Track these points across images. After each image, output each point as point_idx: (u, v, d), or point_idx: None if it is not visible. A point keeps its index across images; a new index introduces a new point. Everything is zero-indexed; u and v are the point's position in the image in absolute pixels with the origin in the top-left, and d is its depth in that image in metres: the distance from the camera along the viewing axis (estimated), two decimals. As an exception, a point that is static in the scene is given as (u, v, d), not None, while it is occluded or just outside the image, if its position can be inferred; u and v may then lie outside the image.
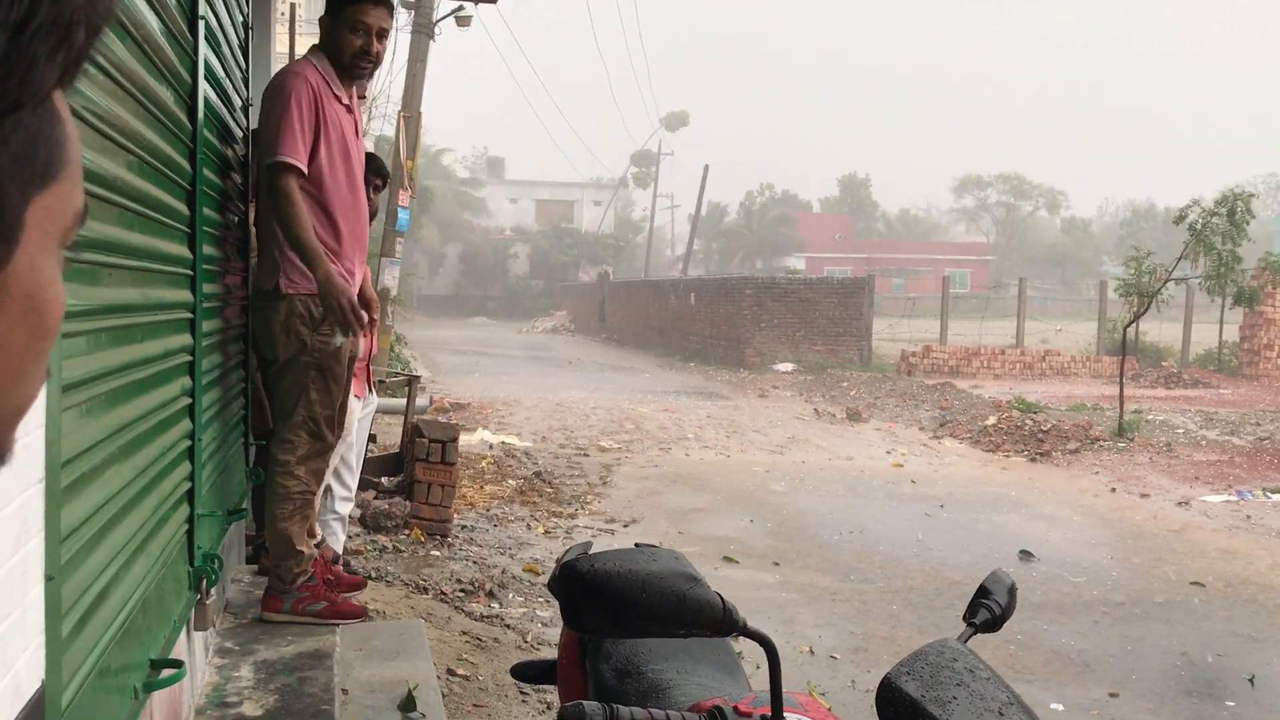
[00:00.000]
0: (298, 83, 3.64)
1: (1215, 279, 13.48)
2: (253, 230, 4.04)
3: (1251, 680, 5.04)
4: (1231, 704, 4.79)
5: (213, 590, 2.95)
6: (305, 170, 3.63)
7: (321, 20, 3.88)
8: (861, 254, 63.85)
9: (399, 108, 14.00)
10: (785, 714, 1.27)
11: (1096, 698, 4.79)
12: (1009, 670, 5.05)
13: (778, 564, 6.91)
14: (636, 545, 2.38)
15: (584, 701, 1.26)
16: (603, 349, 31.96)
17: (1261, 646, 5.59)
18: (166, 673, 2.19)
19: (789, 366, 22.87)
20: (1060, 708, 4.64)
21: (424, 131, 16.14)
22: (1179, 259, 13.57)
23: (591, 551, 2.51)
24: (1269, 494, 9.65)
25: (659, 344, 30.26)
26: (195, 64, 2.83)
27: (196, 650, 3.09)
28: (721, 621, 1.23)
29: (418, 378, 8.65)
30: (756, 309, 23.98)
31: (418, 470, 6.75)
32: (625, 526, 7.77)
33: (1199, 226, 12.77)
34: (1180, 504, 9.31)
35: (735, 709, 1.29)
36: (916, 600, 6.24)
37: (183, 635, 2.70)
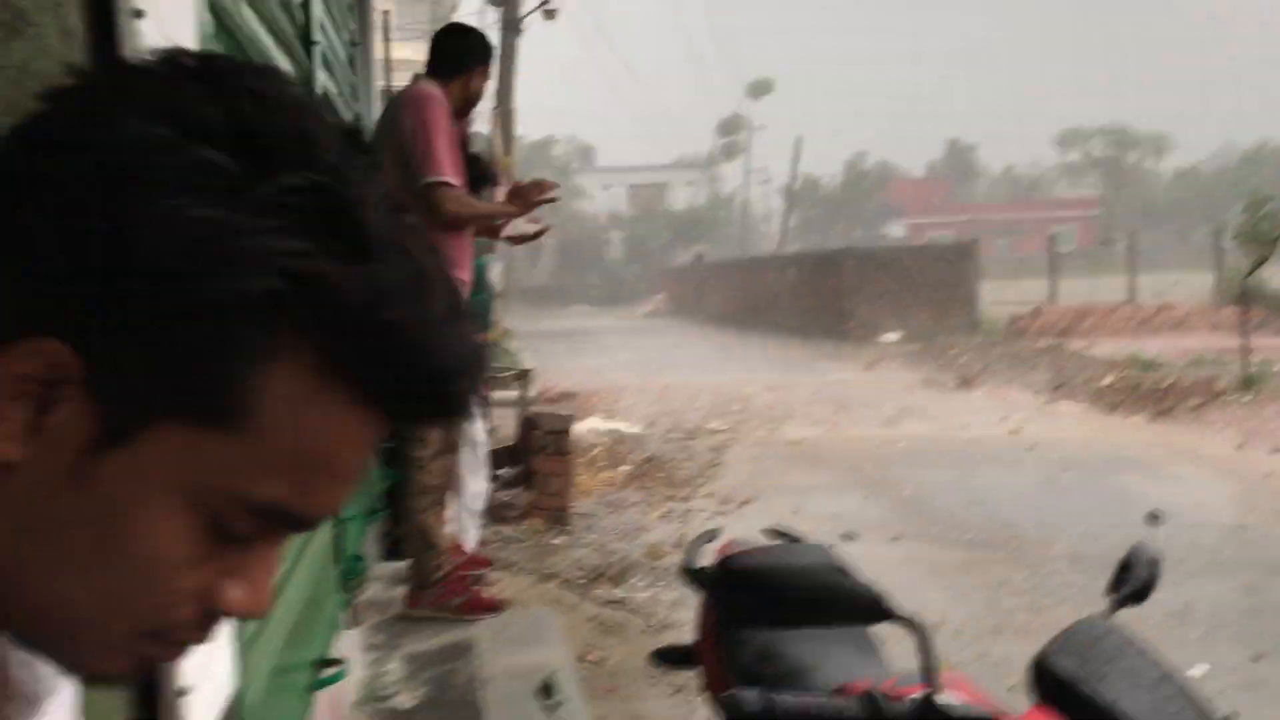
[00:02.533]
0: (437, 104, 3.84)
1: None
2: None
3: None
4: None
5: (360, 589, 3.09)
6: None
7: (437, 58, 4.08)
8: (964, 216, 62.43)
9: (493, 104, 14.21)
10: (937, 695, 1.31)
11: (1237, 662, 4.68)
12: (1145, 636, 4.96)
13: (896, 539, 6.88)
14: (764, 531, 2.43)
15: (742, 690, 1.31)
16: (703, 330, 31.94)
17: None
18: (330, 671, 2.32)
19: (895, 337, 22.55)
20: (1200, 672, 4.55)
21: (523, 131, 16.35)
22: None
23: (719, 537, 2.58)
24: None
25: (759, 322, 30.09)
26: (312, 89, 2.94)
27: (351, 648, 3.24)
28: (874, 610, 1.27)
29: (529, 370, 8.81)
30: (858, 280, 23.68)
31: (535, 461, 6.89)
32: (740, 507, 7.81)
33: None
34: (1316, 458, 8.97)
35: (889, 692, 1.33)
36: (1041, 569, 6.16)
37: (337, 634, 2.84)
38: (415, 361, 0.53)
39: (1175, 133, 76.62)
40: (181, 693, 1.24)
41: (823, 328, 24.85)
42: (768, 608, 1.26)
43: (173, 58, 0.53)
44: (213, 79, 0.52)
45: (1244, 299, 14.23)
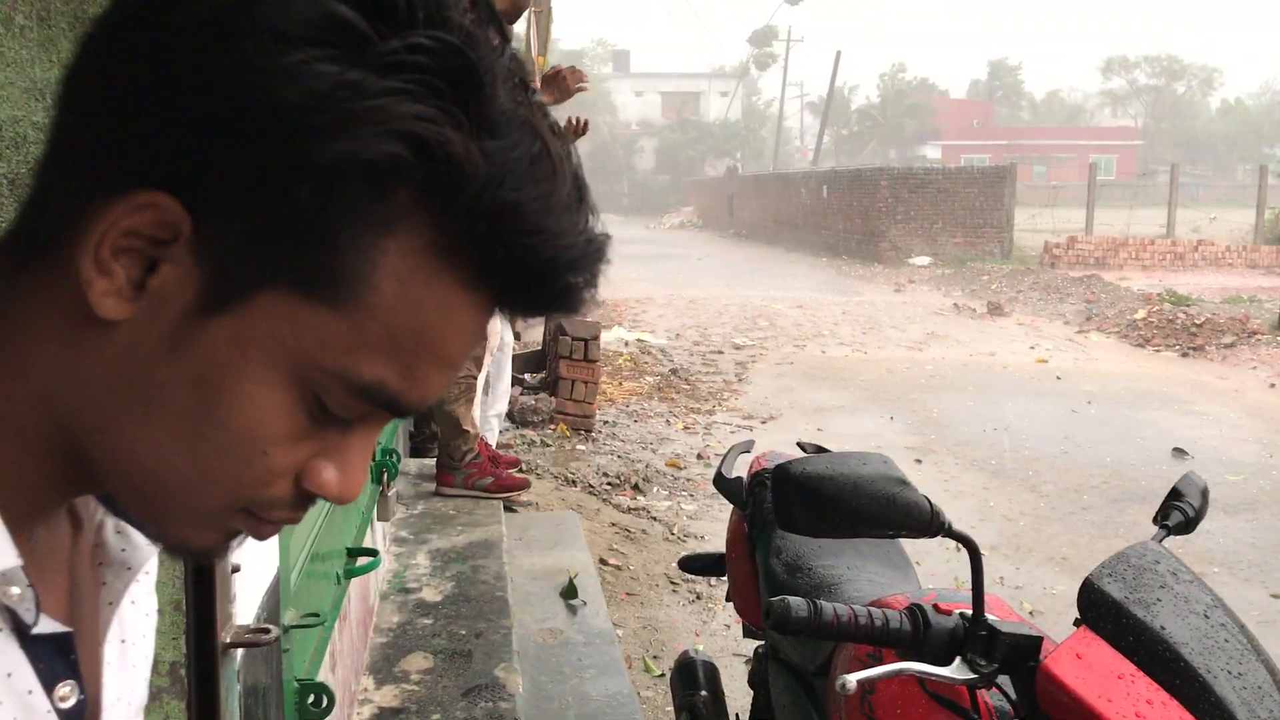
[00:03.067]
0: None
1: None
2: None
3: None
4: (1403, 608, 4.64)
5: (393, 483, 3.11)
6: None
7: None
8: (1001, 140, 61.39)
9: (531, 4, 13.90)
10: (985, 615, 1.30)
11: (1256, 599, 4.69)
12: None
13: (920, 461, 6.88)
14: (800, 444, 2.42)
15: (789, 597, 1.31)
16: (732, 245, 31.74)
17: None
18: (363, 561, 2.34)
19: (926, 260, 22.34)
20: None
21: (555, 34, 16.05)
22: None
23: (752, 450, 2.57)
24: None
25: (790, 239, 29.87)
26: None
27: (379, 540, 3.28)
28: (930, 523, 1.26)
29: (558, 276, 8.78)
30: (892, 201, 23.41)
31: (561, 367, 6.90)
32: (763, 423, 7.82)
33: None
34: (1347, 401, 8.88)
35: (935, 607, 1.32)
36: (1064, 497, 6.16)
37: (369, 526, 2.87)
38: (534, 248, 0.50)
39: (1225, 66, 74.71)
40: (236, 569, 1.25)
41: (853, 247, 24.65)
42: (823, 515, 1.24)
43: None
44: None
45: (1286, 237, 13.99)
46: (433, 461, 4.48)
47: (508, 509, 4.51)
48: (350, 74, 0.46)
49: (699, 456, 6.74)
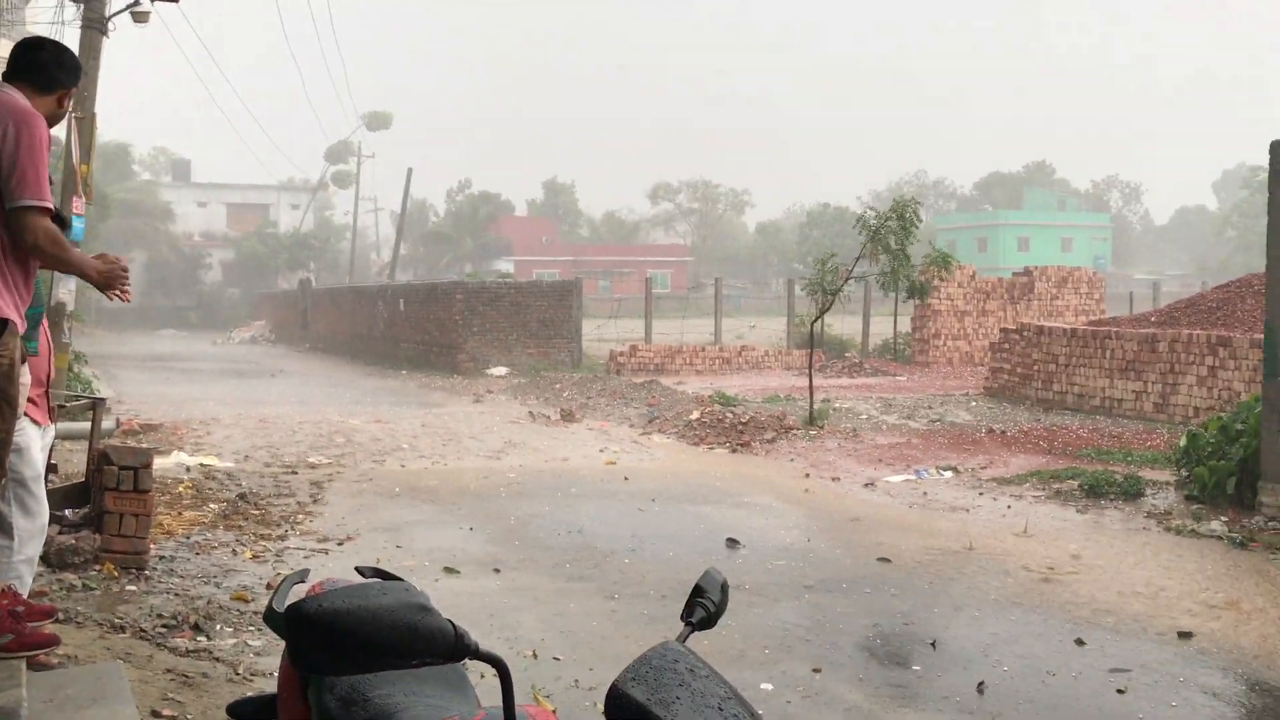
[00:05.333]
0: (42, 122, 3.63)
1: (890, 276, 14.71)
2: None
3: (933, 645, 5.56)
4: (918, 668, 5.27)
5: None
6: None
7: (26, 69, 3.82)
8: (568, 257, 65.10)
9: (73, 110, 12.90)
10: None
11: (802, 675, 5.13)
12: (720, 656, 5.31)
13: (499, 570, 6.94)
14: (359, 569, 2.34)
15: None
16: (307, 359, 30.80)
17: (940, 613, 6.17)
18: None
19: (503, 370, 22.95)
20: (770, 687, 4.94)
21: (100, 134, 14.96)
22: (857, 259, 14.72)
23: (310, 578, 2.45)
24: (941, 471, 10.66)
25: (368, 352, 29.53)
26: None
27: None
28: (454, 648, 1.24)
29: (103, 400, 8.03)
30: (468, 313, 23.92)
31: (107, 500, 6.27)
32: (340, 545, 7.55)
33: (875, 229, 13.89)
34: (867, 485, 10.11)
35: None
36: (634, 595, 6.45)
37: None
38: None
39: (755, 191, 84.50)
40: None
41: (432, 359, 24.82)
42: (342, 653, 1.19)
43: None
44: None
45: (811, 342, 15.87)
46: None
47: (35, 668, 3.97)
48: None
49: (269, 586, 6.35)
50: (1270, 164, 8.35)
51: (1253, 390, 10.95)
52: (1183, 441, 9.47)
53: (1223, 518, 8.21)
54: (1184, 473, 9.18)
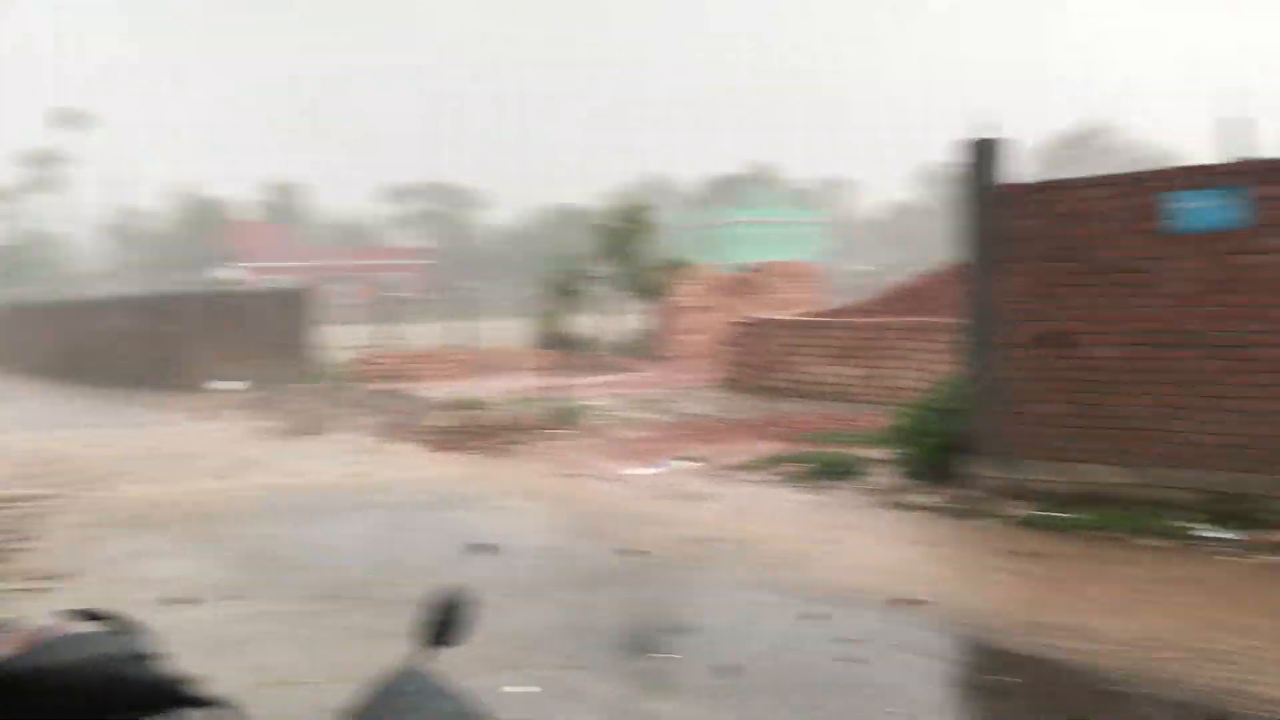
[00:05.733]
0: None
1: (625, 276, 15.08)
2: None
3: (680, 630, 5.77)
4: (666, 656, 5.46)
5: None
6: None
7: None
8: (306, 262, 62.66)
9: None
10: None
11: (549, 673, 5.19)
12: (473, 664, 5.28)
13: (241, 596, 6.63)
14: (67, 613, 2.20)
15: None
16: (14, 382, 28.27)
17: (688, 600, 6.41)
18: None
19: (238, 384, 21.79)
20: (519, 689, 4.97)
21: None
22: (595, 260, 15.00)
23: (10, 627, 2.28)
24: (686, 462, 11.04)
25: (84, 371, 27.36)
26: None
27: None
28: (174, 697, 1.20)
29: None
30: (195, 326, 22.63)
31: None
32: (56, 584, 7.00)
33: (610, 232, 14.20)
34: (616, 480, 10.33)
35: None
36: (382, 611, 6.29)
37: None
38: None
39: (499, 192, 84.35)
40: None
41: (156, 376, 23.27)
42: (35, 715, 1.10)
43: None
44: None
45: (556, 343, 16.03)
46: None
47: None
48: None
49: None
50: (963, 162, 9.10)
51: (953, 371, 11.91)
52: (896, 422, 10.21)
53: (942, 492, 8.90)
54: (900, 451, 9.90)
